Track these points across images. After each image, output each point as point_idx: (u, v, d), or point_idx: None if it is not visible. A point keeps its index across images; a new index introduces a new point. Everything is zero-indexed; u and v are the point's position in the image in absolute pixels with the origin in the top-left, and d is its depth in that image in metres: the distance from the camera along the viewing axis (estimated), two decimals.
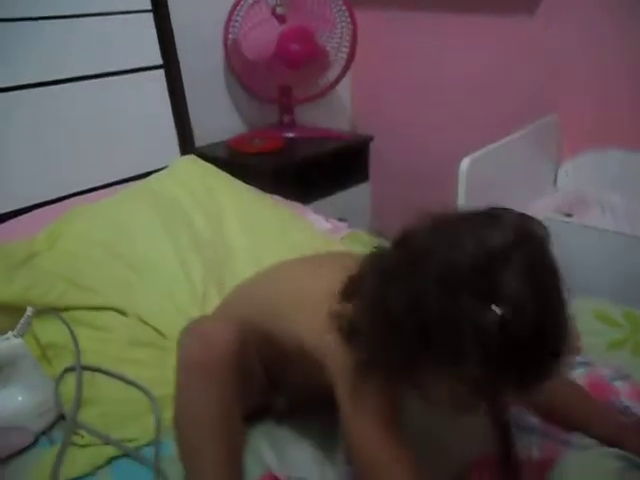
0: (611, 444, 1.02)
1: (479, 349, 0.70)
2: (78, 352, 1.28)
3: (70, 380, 1.25)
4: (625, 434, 1.04)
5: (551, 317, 0.74)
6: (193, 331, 1.05)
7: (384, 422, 0.90)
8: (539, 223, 0.82)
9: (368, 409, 0.90)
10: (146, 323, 1.47)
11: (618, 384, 1.15)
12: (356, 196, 2.78)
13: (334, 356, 0.92)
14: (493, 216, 0.81)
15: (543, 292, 0.74)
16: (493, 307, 0.70)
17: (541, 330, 0.71)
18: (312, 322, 0.96)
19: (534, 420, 1.12)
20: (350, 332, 0.88)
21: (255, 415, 1.17)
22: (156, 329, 1.45)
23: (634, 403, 1.13)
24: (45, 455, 1.13)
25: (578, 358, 1.27)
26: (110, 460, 1.11)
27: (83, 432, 1.15)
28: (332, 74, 2.69)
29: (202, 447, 0.97)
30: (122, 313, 1.46)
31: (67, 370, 1.28)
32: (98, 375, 1.30)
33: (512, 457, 1.02)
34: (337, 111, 3.10)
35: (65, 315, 1.39)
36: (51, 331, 1.35)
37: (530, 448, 1.07)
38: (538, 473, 1.02)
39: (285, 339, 1.05)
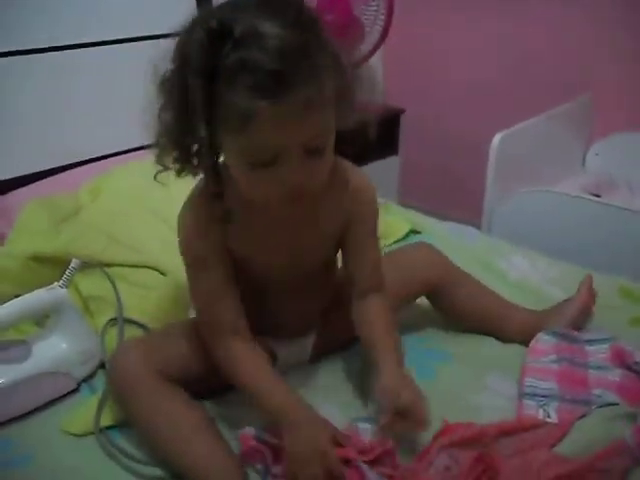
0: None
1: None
2: (120, 304, 1.32)
3: (112, 332, 1.30)
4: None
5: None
6: (110, 364, 1.12)
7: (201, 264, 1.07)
8: None
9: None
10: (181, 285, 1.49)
11: (638, 356, 1.18)
12: (384, 168, 2.80)
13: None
14: None
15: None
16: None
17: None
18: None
19: (551, 385, 1.16)
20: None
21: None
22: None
23: None
24: (87, 402, 1.17)
25: (601, 334, 1.30)
26: None
27: None
28: (365, 46, 2.69)
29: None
30: (161, 272, 1.49)
31: (110, 321, 1.33)
32: (139, 330, 1.34)
33: None
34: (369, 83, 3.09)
35: (107, 270, 1.44)
36: (93, 284, 1.40)
37: (547, 412, 1.11)
38: (555, 436, 1.06)
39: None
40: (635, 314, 1.41)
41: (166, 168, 1.00)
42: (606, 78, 2.44)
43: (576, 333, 1.29)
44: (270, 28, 0.84)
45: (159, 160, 1.00)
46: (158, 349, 1.10)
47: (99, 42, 2.07)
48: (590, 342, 1.27)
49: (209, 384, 1.15)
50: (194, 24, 0.89)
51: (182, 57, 0.89)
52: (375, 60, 2.92)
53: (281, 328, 1.21)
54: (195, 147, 0.96)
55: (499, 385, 1.22)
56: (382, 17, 2.58)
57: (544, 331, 1.28)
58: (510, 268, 1.63)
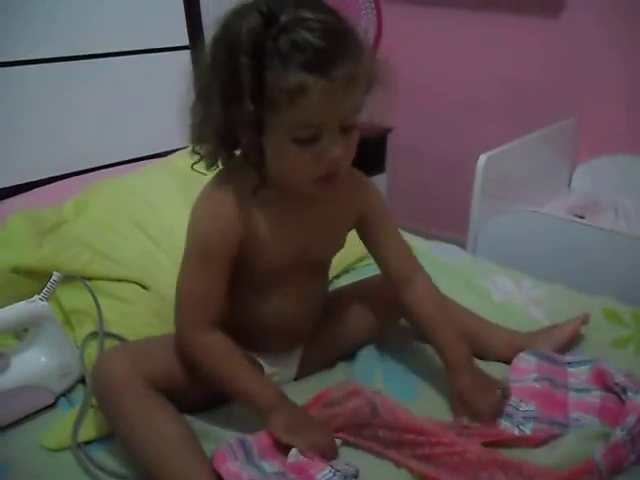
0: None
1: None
2: (101, 318, 1.31)
3: (93, 346, 1.29)
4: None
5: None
6: (95, 369, 1.09)
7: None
8: None
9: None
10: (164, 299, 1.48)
11: (619, 377, 1.18)
12: None
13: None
14: None
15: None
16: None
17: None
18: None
19: (531, 407, 1.15)
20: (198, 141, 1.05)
21: None
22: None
23: (632, 386, 1.15)
24: (64, 416, 1.16)
25: (582, 356, 1.30)
26: None
27: None
28: None
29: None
30: (144, 287, 1.48)
31: (90, 334, 1.31)
32: None
33: None
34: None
35: (89, 283, 1.42)
36: (75, 298, 1.39)
37: (523, 431, 1.11)
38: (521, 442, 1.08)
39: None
40: (618, 336, 1.42)
41: (202, 157, 1.07)
42: (592, 101, 2.47)
43: (557, 355, 1.29)
44: (312, 14, 0.92)
45: (194, 150, 1.07)
46: (143, 356, 1.09)
47: (99, 54, 2.11)
48: (571, 364, 1.27)
49: (192, 397, 1.13)
50: (244, 9, 0.96)
51: (231, 41, 0.94)
52: None
53: (271, 340, 1.22)
54: (236, 130, 0.99)
55: None
56: (371, 35, 2.60)
57: (526, 351, 1.28)
58: (494, 288, 1.63)
